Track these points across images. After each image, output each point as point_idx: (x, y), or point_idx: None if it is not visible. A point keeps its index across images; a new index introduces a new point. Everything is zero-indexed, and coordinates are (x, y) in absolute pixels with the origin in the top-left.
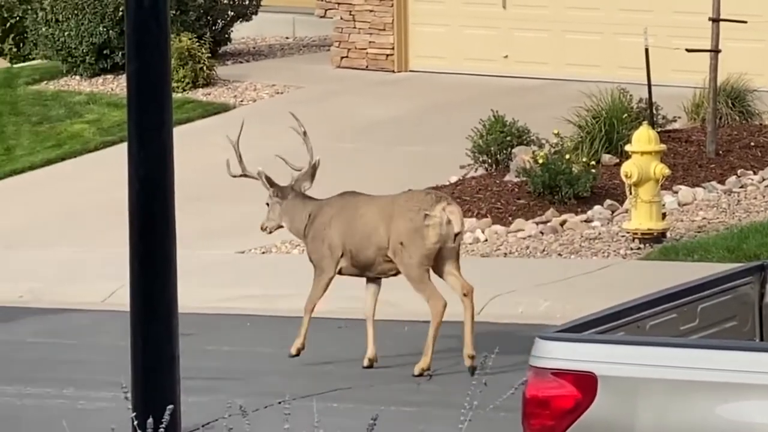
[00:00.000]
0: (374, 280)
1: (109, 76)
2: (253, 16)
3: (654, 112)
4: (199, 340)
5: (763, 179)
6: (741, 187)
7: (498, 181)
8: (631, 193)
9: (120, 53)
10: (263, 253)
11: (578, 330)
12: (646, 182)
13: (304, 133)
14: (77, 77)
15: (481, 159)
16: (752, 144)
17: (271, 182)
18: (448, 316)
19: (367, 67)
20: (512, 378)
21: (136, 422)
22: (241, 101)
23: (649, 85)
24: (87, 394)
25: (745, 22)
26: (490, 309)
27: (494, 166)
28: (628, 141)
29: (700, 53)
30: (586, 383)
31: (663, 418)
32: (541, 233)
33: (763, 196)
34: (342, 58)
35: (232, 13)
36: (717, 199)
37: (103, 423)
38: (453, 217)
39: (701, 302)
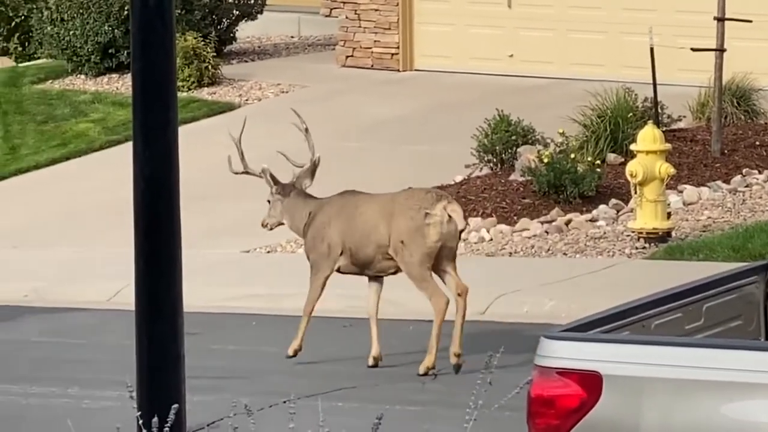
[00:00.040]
0: (376, 278)
1: (114, 75)
2: (258, 16)
3: (659, 111)
4: (205, 339)
5: None
6: (746, 186)
7: (503, 181)
8: (636, 193)
9: (125, 52)
10: (268, 252)
11: (583, 329)
12: (651, 181)
13: (306, 129)
14: (82, 76)
15: (486, 158)
16: (757, 143)
17: (274, 179)
18: (452, 315)
19: (372, 66)
20: (517, 377)
21: (141, 421)
22: (246, 100)
23: (655, 85)
24: (92, 393)
25: (751, 21)
26: (495, 308)
27: (499, 165)
28: (633, 140)
29: (705, 52)
30: (591, 382)
31: (668, 417)
32: (546, 233)
33: None
34: (347, 57)
35: (238, 13)
36: (722, 198)
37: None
38: (455, 214)
39: (706, 301)
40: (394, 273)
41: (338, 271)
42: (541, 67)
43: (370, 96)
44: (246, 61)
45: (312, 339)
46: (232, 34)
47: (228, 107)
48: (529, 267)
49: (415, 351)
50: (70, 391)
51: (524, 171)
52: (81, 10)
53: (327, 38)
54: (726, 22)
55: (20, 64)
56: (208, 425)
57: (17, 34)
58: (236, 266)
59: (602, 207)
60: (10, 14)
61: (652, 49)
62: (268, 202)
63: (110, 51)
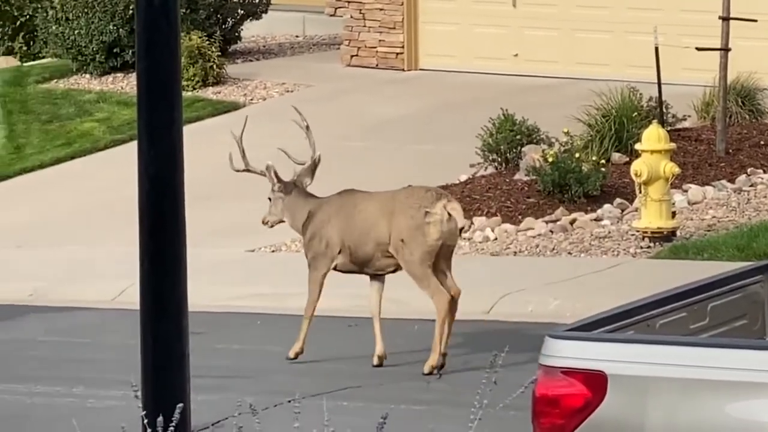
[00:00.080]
0: (377, 277)
1: (119, 75)
2: (263, 15)
3: (664, 110)
4: (209, 339)
5: None
6: (751, 185)
7: (508, 180)
8: (640, 192)
9: (130, 51)
10: (273, 251)
11: (588, 329)
12: (655, 181)
13: (307, 127)
14: (87, 75)
15: (490, 158)
16: (762, 143)
17: (278, 177)
18: (457, 314)
19: (377, 65)
20: (522, 377)
21: (146, 421)
22: (251, 100)
23: (659, 84)
24: (97, 393)
25: (755, 20)
26: (499, 307)
27: (504, 164)
28: (638, 140)
29: (710, 52)
30: (595, 382)
31: (673, 416)
32: (551, 232)
33: None
34: (352, 56)
35: (242, 12)
36: (727, 197)
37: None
38: (455, 213)
39: (711, 301)
40: (394, 271)
41: (336, 269)
42: (545, 66)
43: (374, 95)
44: (251, 61)
45: (317, 338)
46: (236, 34)
47: (233, 106)
48: (534, 266)
49: (419, 350)
50: (75, 391)
51: (529, 170)
52: (86, 10)
53: (332, 38)
54: (731, 22)
55: (25, 64)
56: (212, 424)
57: (22, 34)
58: (241, 265)
59: (607, 206)
60: (15, 13)
61: (657, 49)
62: (269, 199)
63: (115, 50)
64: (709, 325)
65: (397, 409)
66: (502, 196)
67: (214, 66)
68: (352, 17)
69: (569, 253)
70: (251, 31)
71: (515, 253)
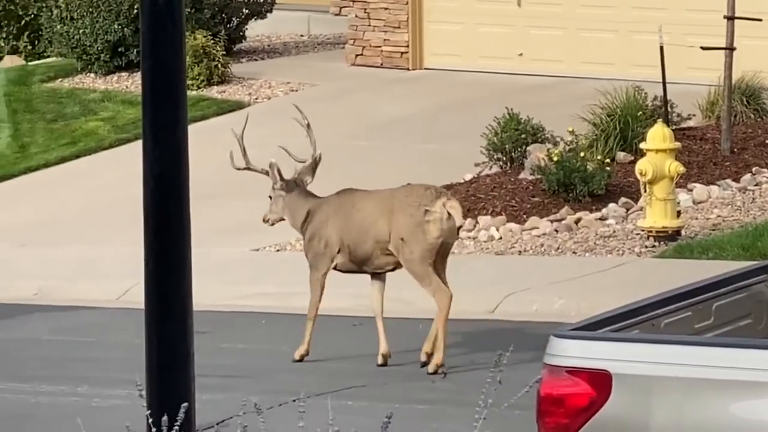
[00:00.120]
0: (378, 276)
1: (123, 74)
2: (268, 14)
3: (669, 109)
4: (214, 338)
5: None
6: (756, 184)
7: (512, 179)
8: (645, 191)
9: (135, 51)
10: (278, 250)
11: (593, 328)
12: (660, 180)
13: (308, 125)
14: (92, 75)
15: (495, 157)
16: (767, 141)
17: (281, 175)
18: (461, 313)
19: (381, 64)
20: (527, 376)
21: (150, 420)
22: (256, 99)
23: (664, 83)
24: (101, 392)
25: (760, 20)
26: (504, 307)
27: (509, 163)
28: (643, 139)
29: (715, 51)
30: (600, 381)
31: (677, 416)
32: (556, 231)
33: None
34: (357, 55)
35: (247, 11)
36: (732, 196)
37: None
38: (454, 211)
39: (716, 300)
40: (393, 269)
41: (336, 269)
42: (550, 65)
43: (379, 94)
44: (255, 60)
45: (321, 337)
46: (241, 33)
47: (237, 106)
48: (539, 265)
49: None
50: (80, 390)
51: (534, 169)
52: (90, 9)
53: (336, 37)
54: (736, 21)
55: (30, 63)
56: (217, 424)
57: (27, 33)
58: (246, 265)
59: (612, 205)
60: (20, 13)
61: (661, 48)
62: (270, 198)
63: (120, 49)
64: (713, 325)
65: (401, 408)
66: (506, 195)
67: (219, 65)
68: (356, 16)
69: (574, 252)
70: (256, 31)
71: (520, 252)
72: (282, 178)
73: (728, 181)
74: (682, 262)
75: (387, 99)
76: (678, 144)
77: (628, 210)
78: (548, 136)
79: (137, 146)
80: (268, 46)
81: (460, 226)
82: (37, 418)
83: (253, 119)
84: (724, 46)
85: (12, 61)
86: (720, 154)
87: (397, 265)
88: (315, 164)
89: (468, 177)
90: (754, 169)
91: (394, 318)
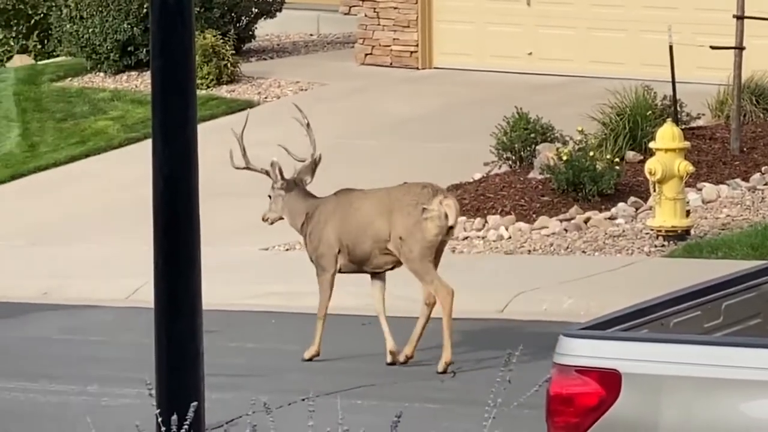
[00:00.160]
0: (378, 275)
1: (133, 73)
2: (278, 13)
3: (678, 109)
4: (223, 337)
5: None
6: (765, 184)
7: (522, 178)
8: (655, 191)
9: (144, 50)
10: (287, 250)
11: (602, 327)
12: (670, 179)
13: (308, 125)
14: (101, 74)
15: (505, 156)
16: None
17: (282, 174)
18: (471, 312)
19: (391, 64)
20: (536, 375)
21: (160, 419)
22: (265, 98)
23: (674, 82)
24: (111, 391)
25: None
26: (513, 306)
27: (518, 163)
28: (652, 138)
29: (724, 50)
30: (610, 380)
31: (687, 415)
32: (565, 230)
33: None
34: (366, 55)
35: (257, 10)
36: (741, 196)
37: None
38: (449, 210)
39: (725, 299)
40: (392, 268)
41: (339, 271)
42: (560, 65)
43: (389, 94)
44: (265, 59)
45: (330, 337)
46: (251, 32)
47: (247, 105)
48: (548, 265)
49: (433, 348)
50: (89, 389)
51: (543, 169)
52: (100, 8)
53: (346, 36)
54: (745, 20)
55: (39, 62)
56: (227, 423)
57: (36, 32)
58: (255, 264)
59: (621, 205)
60: (30, 12)
61: (671, 47)
62: (269, 197)
63: (129, 49)
64: (723, 324)
65: (411, 407)
66: (516, 195)
67: (229, 64)
68: (366, 16)
69: (583, 251)
70: (265, 30)
71: (529, 251)
72: (283, 178)
73: (737, 180)
74: (691, 261)
75: (396, 98)
76: (687, 143)
77: (637, 209)
78: (558, 135)
79: (147, 146)
80: (278, 45)
81: (452, 226)
82: (46, 417)
83: (262, 118)
84: (733, 45)
85: (21, 61)
86: (729, 153)
87: (396, 264)
88: (314, 164)
89: (477, 176)
90: (763, 168)
91: (403, 317)
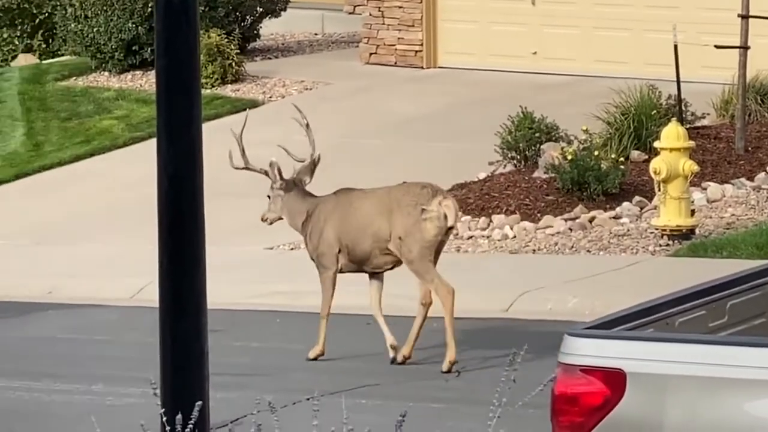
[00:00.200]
0: (376, 275)
1: (137, 72)
2: (282, 13)
3: (683, 108)
4: (228, 337)
5: None
6: None
7: (526, 178)
8: (659, 190)
9: (149, 49)
10: (292, 249)
11: (607, 327)
12: (674, 179)
13: (307, 125)
14: (106, 73)
15: (509, 155)
16: None
17: (281, 174)
18: (475, 312)
19: (395, 63)
20: (541, 375)
21: (164, 418)
22: (270, 97)
23: (678, 82)
24: (116, 390)
25: None
26: (518, 305)
27: (523, 162)
28: (657, 137)
29: (729, 50)
30: (614, 380)
31: (692, 414)
32: (570, 230)
33: None
34: (371, 54)
35: (261, 10)
36: (746, 195)
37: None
38: (448, 211)
39: (730, 299)
40: (391, 268)
41: (340, 271)
42: (564, 64)
43: (393, 93)
44: (269, 58)
45: (335, 336)
46: (255, 31)
47: (252, 104)
48: (553, 264)
49: (436, 347)
50: (94, 388)
51: (548, 168)
52: (105, 7)
53: (351, 35)
54: (750, 20)
55: (44, 61)
56: (231, 422)
57: (41, 31)
58: (260, 263)
59: (626, 204)
60: (34, 11)
61: (675, 47)
62: (269, 197)
63: (134, 48)
64: (728, 323)
65: (415, 407)
66: (521, 194)
67: (233, 63)
68: (371, 15)
69: (588, 251)
70: (270, 29)
71: (534, 251)
72: (282, 178)
73: (742, 179)
74: (696, 260)
75: (401, 98)
76: (692, 143)
77: (642, 209)
78: (562, 134)
79: (151, 145)
80: (282, 44)
81: (452, 227)
82: (51, 417)
83: (266, 118)
84: (738, 44)
85: (26, 60)
86: (734, 152)
87: (396, 264)
88: (314, 165)
89: (482, 175)
90: None
91: (409, 316)
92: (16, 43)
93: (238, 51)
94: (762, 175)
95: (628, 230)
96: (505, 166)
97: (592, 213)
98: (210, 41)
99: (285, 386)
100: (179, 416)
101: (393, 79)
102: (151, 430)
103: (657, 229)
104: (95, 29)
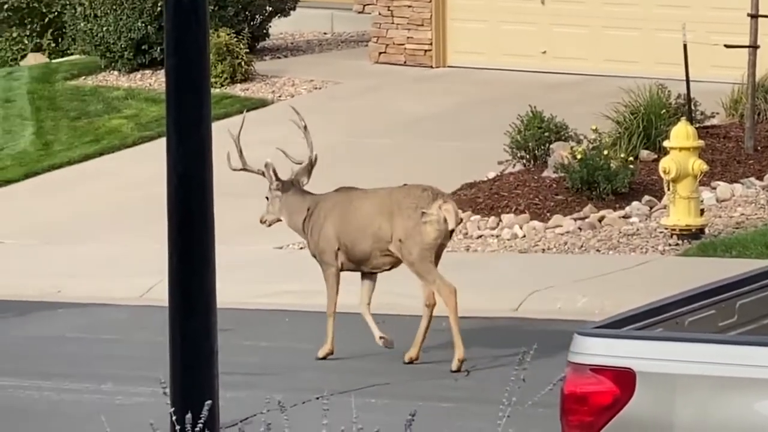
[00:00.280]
0: (370, 275)
1: (147, 72)
2: (292, 12)
3: (692, 108)
4: (238, 336)
5: None
6: None
7: (536, 177)
8: (669, 189)
9: (158, 48)
10: (301, 248)
11: (616, 326)
12: (684, 178)
13: (305, 127)
14: (115, 72)
15: (519, 155)
16: None
17: (276, 175)
18: (485, 311)
19: (405, 62)
20: (550, 374)
21: (174, 417)
22: (279, 96)
23: (688, 81)
24: (125, 389)
25: None
26: (528, 304)
27: (532, 161)
28: (667, 137)
29: (738, 49)
30: (624, 379)
31: (701, 414)
32: (579, 229)
33: None
34: (380, 53)
35: (271, 9)
36: (755, 195)
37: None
38: (448, 215)
39: (740, 298)
40: (389, 269)
41: (341, 269)
42: (574, 63)
43: (403, 92)
44: (279, 58)
45: (344, 335)
46: (265, 31)
47: (261, 103)
48: (562, 263)
49: (445, 346)
50: (104, 387)
51: (557, 167)
52: (114, 7)
53: (360, 35)
54: (759, 19)
55: (53, 61)
56: (241, 421)
57: (50, 31)
58: (269, 262)
59: (635, 204)
60: (44, 10)
61: (685, 46)
62: (267, 198)
63: (143, 47)
64: (737, 323)
65: (425, 406)
66: (530, 194)
67: (243, 63)
68: (380, 14)
69: (597, 250)
70: (279, 28)
71: (543, 250)
72: (278, 178)
73: (752, 179)
74: (705, 260)
75: (410, 97)
76: (701, 142)
77: (651, 208)
78: (572, 134)
79: (161, 144)
80: (292, 43)
81: (452, 230)
82: (61, 416)
83: (276, 117)
84: (747, 44)
85: (36, 59)
86: (743, 152)
87: (393, 266)
88: (311, 166)
89: (491, 175)
90: None
91: (417, 316)
92: (26, 42)
93: (248, 50)
94: None
95: (638, 230)
96: (514, 165)
97: (602, 212)
98: (219, 40)
99: (294, 385)
100: (189, 415)
101: (402, 78)
102: (160, 429)
103: (666, 228)
104: (105, 28)
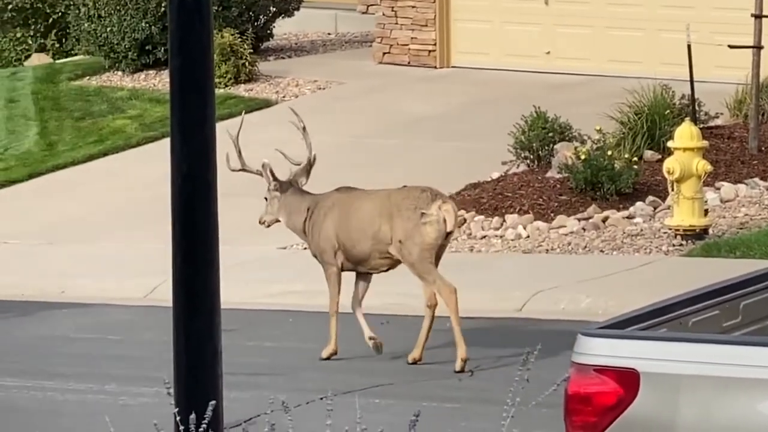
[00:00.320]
0: (366, 276)
1: (151, 72)
2: (295, 12)
3: (696, 108)
4: (242, 336)
5: None
6: None
7: (540, 178)
8: (673, 190)
9: (162, 49)
10: (305, 248)
11: (620, 326)
12: (688, 179)
13: (303, 128)
14: (119, 73)
15: (522, 155)
16: None
17: (274, 176)
18: (488, 311)
19: (409, 63)
20: (554, 374)
21: (178, 418)
22: (283, 97)
23: (692, 82)
24: (129, 390)
25: None
26: (531, 305)
27: (536, 162)
28: (671, 137)
29: (742, 49)
30: (628, 380)
31: (705, 414)
32: (583, 229)
33: None
34: (384, 54)
35: (274, 9)
36: (759, 195)
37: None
38: (448, 216)
39: (744, 299)
40: (386, 270)
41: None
42: (578, 63)
43: (406, 93)
44: (283, 58)
45: (349, 335)
46: (268, 31)
47: (265, 104)
48: (566, 264)
49: (449, 347)
50: (108, 388)
51: (561, 168)
52: (118, 7)
53: (364, 35)
54: (763, 19)
55: (57, 61)
56: (245, 422)
57: (55, 31)
58: (273, 263)
59: (639, 204)
60: (48, 11)
61: (689, 46)
62: (265, 199)
63: (147, 48)
64: (741, 323)
65: (429, 406)
66: (534, 194)
67: (246, 63)
68: (384, 15)
69: (601, 250)
70: (283, 29)
71: (547, 250)
72: (275, 179)
73: (756, 179)
74: (709, 260)
75: (414, 97)
76: (705, 142)
77: (655, 208)
78: (576, 134)
79: (165, 144)
80: (296, 44)
81: (450, 232)
82: (64, 416)
83: (280, 117)
84: (751, 44)
85: (40, 59)
86: (747, 152)
87: (391, 267)
88: (309, 166)
89: (495, 175)
90: None
91: (420, 316)
92: (30, 42)
93: (252, 50)
94: None
95: (642, 230)
96: (518, 165)
97: (606, 213)
98: (223, 41)
99: (298, 386)
100: (193, 416)
101: (406, 78)
102: (164, 429)
103: (670, 228)
104: (108, 29)
